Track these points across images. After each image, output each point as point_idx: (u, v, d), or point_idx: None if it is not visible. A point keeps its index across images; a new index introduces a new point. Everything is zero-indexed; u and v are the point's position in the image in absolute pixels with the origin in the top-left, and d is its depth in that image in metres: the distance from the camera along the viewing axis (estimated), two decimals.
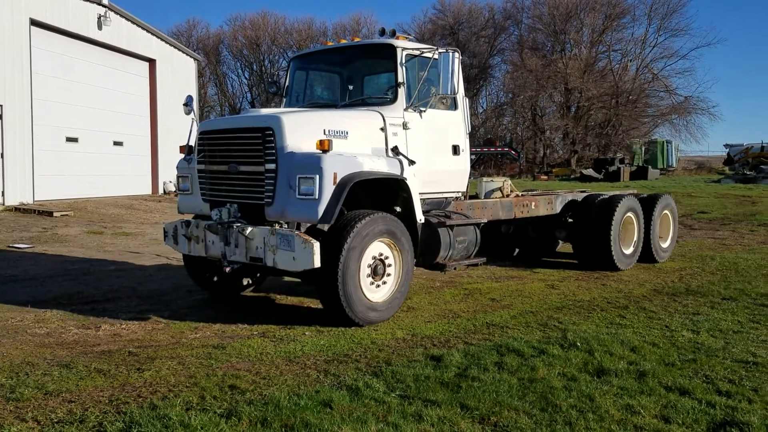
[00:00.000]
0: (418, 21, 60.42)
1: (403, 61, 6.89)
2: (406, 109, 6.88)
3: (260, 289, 7.83)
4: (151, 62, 22.01)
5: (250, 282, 7.61)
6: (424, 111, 7.02)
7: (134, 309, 6.80)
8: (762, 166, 39.40)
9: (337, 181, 5.72)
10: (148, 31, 21.69)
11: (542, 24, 52.58)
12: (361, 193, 6.24)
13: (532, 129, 52.59)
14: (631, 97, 48.84)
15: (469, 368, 4.79)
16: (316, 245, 5.55)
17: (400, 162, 6.43)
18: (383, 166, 6.25)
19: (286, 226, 5.91)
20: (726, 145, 51.86)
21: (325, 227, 5.89)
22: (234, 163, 6.27)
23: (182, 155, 7.12)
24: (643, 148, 48.34)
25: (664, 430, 3.78)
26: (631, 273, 9.23)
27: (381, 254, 6.15)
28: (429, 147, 7.11)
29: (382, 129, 6.62)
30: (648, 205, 10.10)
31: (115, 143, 20.40)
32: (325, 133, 6.13)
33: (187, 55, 24.40)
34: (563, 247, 10.80)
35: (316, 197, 5.66)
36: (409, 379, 4.52)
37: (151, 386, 4.38)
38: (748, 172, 38.84)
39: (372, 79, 7.95)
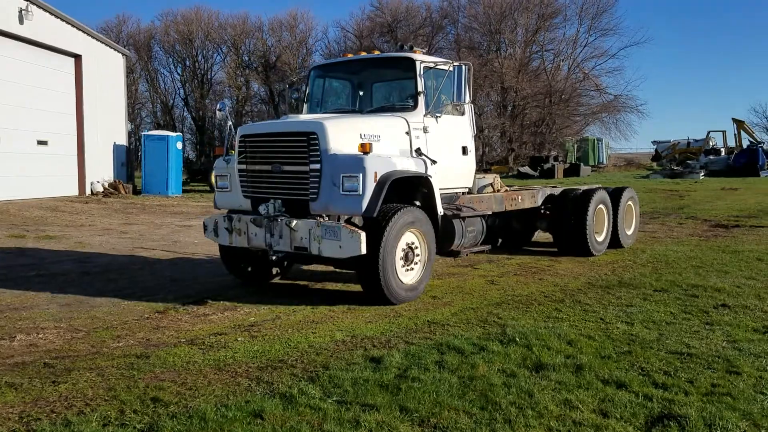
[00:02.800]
0: (356, 18, 60.25)
1: (422, 72, 7.73)
2: (425, 115, 7.71)
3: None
4: (77, 58, 21.01)
5: (278, 271, 8.29)
6: (440, 116, 7.90)
7: (54, 317, 6.37)
8: (688, 162, 41.22)
9: (378, 179, 6.47)
10: (73, 26, 20.70)
11: (478, 23, 53.26)
12: (387, 189, 6.74)
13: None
14: (563, 96, 50.11)
15: (410, 369, 4.67)
16: (363, 234, 6.28)
17: (425, 162, 7.29)
18: (412, 165, 7.09)
19: (327, 219, 6.60)
20: (654, 142, 54.10)
21: (357, 219, 6.73)
22: (278, 164, 6.93)
23: (220, 156, 7.85)
24: (576, 146, 49.70)
25: (603, 425, 3.75)
26: (566, 267, 9.34)
27: (411, 242, 6.96)
28: (444, 148, 7.93)
29: (407, 133, 7.46)
30: (615, 197, 11.02)
31: (39, 143, 19.37)
32: (361, 137, 6.87)
33: (115, 50, 23.47)
34: (538, 237, 11.67)
35: (360, 193, 6.39)
36: (347, 384, 4.35)
37: (67, 400, 4.06)
38: (675, 168, 40.52)
39: (391, 88, 8.89)
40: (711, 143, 44.89)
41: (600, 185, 11.63)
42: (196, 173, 31.18)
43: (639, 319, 6.23)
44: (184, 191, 25.35)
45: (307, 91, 8.69)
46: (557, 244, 10.66)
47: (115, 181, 22.41)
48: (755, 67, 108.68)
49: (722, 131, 45.73)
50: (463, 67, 7.63)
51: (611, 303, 6.95)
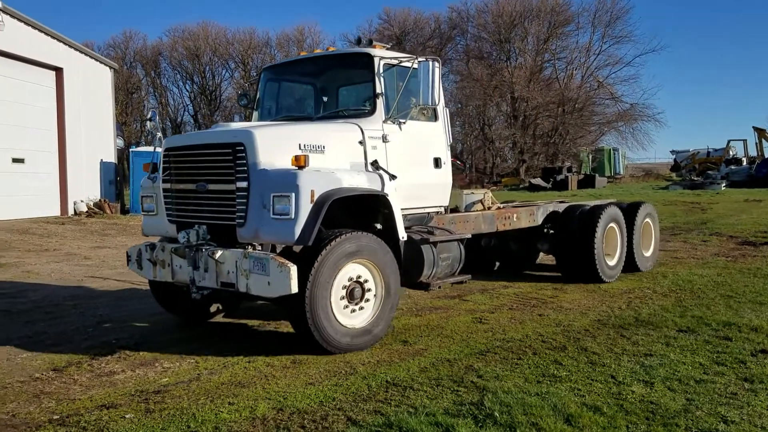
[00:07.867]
0: (364, 31, 59.32)
1: (381, 70, 6.59)
2: (385, 121, 6.56)
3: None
4: (58, 71, 19.93)
5: (220, 308, 7.09)
6: (404, 123, 6.70)
7: None
8: (709, 172, 39.47)
9: (315, 199, 5.36)
10: (52, 37, 19.62)
11: (487, 33, 52.18)
12: (340, 211, 5.81)
13: (480, 139, 51.93)
14: (577, 105, 48.72)
15: None
16: (293, 269, 5.12)
17: (381, 177, 6.07)
18: (363, 181, 5.88)
19: (260, 248, 5.52)
20: (672, 152, 52.27)
21: (298, 249, 5.53)
22: (202, 182, 5.86)
23: (146, 173, 6.72)
24: (590, 156, 48.14)
25: None
26: (573, 298, 7.96)
27: (359, 276, 5.75)
28: (410, 160, 6.79)
29: (360, 142, 6.31)
30: (630, 213, 9.69)
31: (15, 160, 18.24)
32: (300, 148, 5.78)
33: (100, 62, 22.40)
34: (543, 258, 10.49)
35: (292, 217, 5.29)
36: None
37: None
38: (695, 178, 38.85)
39: (348, 90, 7.62)
40: (732, 152, 42.99)
41: (612, 200, 10.40)
42: None
43: (660, 375, 4.87)
44: None
45: (258, 97, 7.52)
46: (561, 269, 9.39)
47: (100, 200, 21.28)
48: None
49: (743, 140, 43.83)
50: (431, 63, 6.29)
51: (625, 351, 5.57)
